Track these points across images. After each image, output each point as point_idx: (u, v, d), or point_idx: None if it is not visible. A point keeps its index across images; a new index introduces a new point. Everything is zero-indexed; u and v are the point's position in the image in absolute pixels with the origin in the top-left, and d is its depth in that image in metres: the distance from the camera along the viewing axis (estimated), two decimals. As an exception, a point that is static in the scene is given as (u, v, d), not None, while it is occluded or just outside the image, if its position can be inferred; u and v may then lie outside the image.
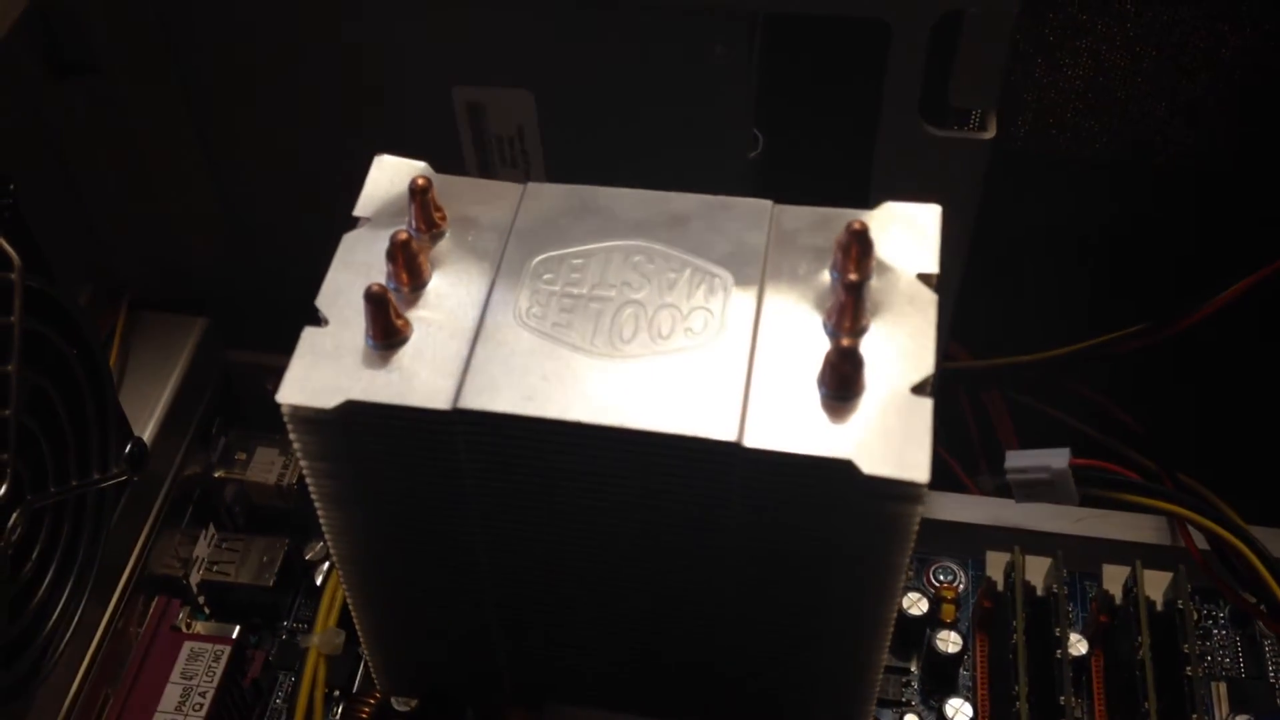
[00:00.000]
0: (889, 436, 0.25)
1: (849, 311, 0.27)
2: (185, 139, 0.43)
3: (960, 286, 0.42)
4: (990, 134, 0.37)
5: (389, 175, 0.30)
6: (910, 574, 0.45)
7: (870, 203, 0.29)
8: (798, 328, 0.27)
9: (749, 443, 0.25)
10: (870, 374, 0.26)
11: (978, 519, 0.46)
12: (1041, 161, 0.53)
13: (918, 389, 0.26)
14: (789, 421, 0.25)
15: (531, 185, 0.30)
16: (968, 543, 0.46)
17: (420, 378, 0.26)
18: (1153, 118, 0.51)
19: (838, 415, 0.25)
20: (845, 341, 0.26)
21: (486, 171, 0.43)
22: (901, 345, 0.27)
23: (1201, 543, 0.44)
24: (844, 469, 0.25)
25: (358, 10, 0.39)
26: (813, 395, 0.26)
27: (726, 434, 0.25)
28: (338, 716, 0.40)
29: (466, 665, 0.35)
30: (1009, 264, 0.54)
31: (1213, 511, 0.43)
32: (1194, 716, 0.38)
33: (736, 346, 0.27)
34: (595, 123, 0.40)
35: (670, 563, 0.29)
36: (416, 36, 0.39)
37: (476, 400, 0.26)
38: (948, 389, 0.53)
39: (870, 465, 0.25)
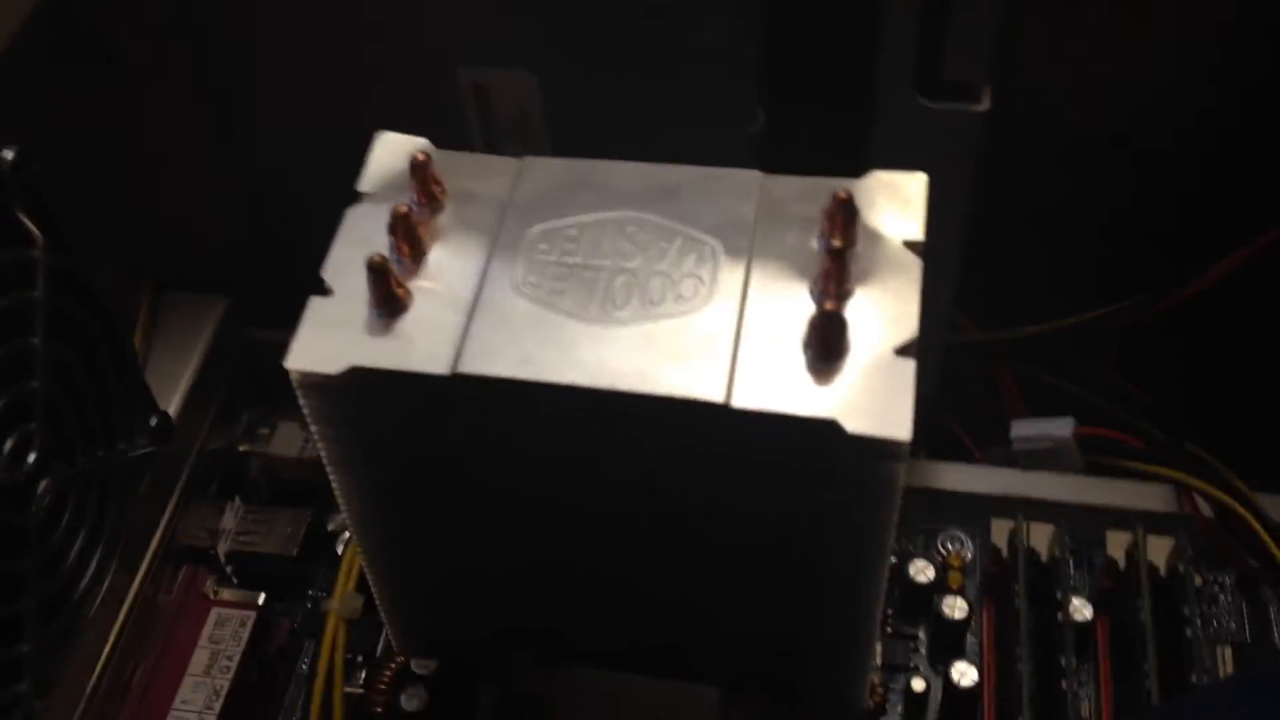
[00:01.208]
0: (872, 396, 0.26)
1: (833, 277, 0.27)
2: (203, 123, 0.44)
3: (961, 256, 0.43)
4: (984, 106, 0.38)
5: (391, 151, 0.31)
6: (919, 542, 0.46)
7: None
8: (784, 293, 0.28)
9: (736, 403, 0.26)
10: (855, 337, 0.27)
11: (985, 488, 0.47)
12: (1048, 136, 0.53)
13: (901, 351, 0.27)
14: (775, 383, 0.26)
15: (529, 159, 0.31)
16: (975, 512, 0.46)
17: (421, 344, 0.27)
18: (1158, 91, 0.51)
19: (823, 377, 0.26)
20: (829, 305, 0.26)
21: (493, 150, 0.44)
22: (886, 309, 0.27)
23: (1207, 510, 0.44)
24: (829, 428, 0.25)
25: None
26: (798, 358, 0.27)
27: (715, 395, 0.26)
28: (362, 680, 0.42)
29: (478, 627, 0.36)
30: (1018, 238, 0.54)
31: (1218, 478, 0.44)
32: (1194, 678, 0.38)
33: (725, 312, 0.28)
34: (597, 102, 0.41)
35: (665, 524, 0.30)
36: (424, 19, 0.40)
37: (474, 365, 0.27)
38: (956, 362, 0.54)
39: (854, 424, 0.25)
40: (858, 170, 0.30)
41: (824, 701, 0.35)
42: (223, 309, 0.45)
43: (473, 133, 0.43)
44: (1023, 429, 0.47)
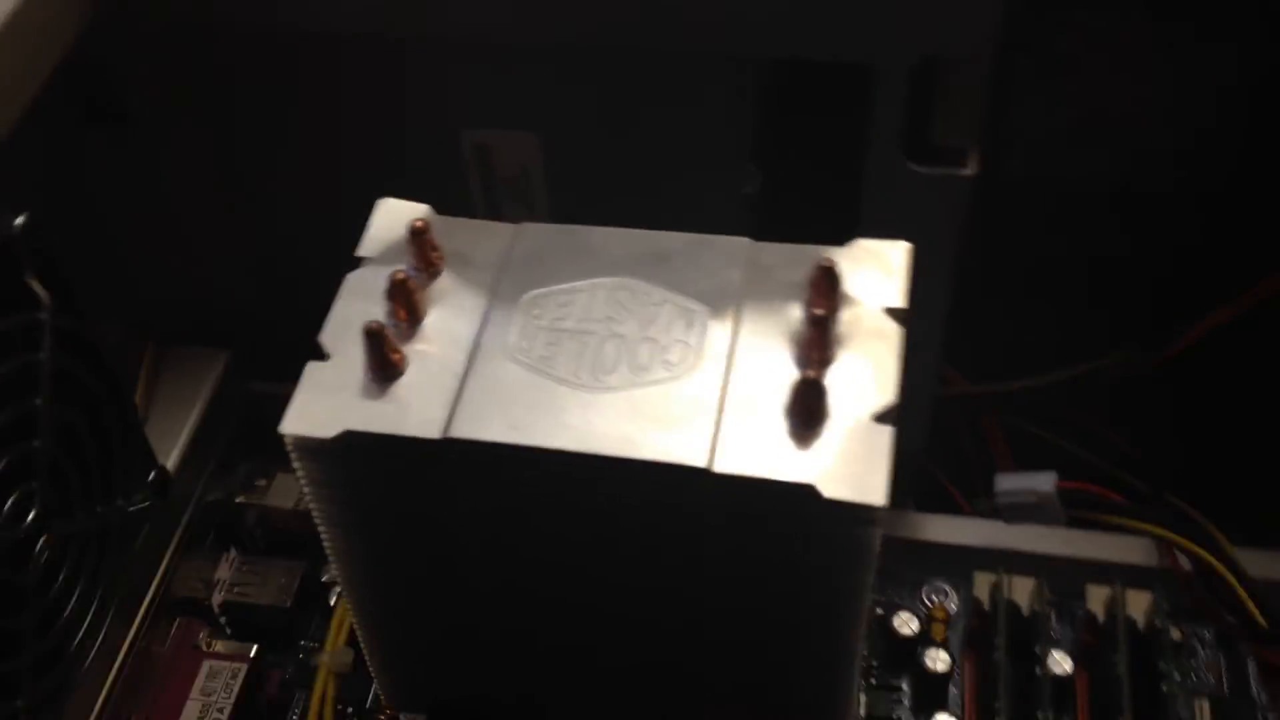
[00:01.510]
0: (850, 462, 0.27)
1: (816, 344, 0.28)
2: (211, 183, 0.45)
3: (948, 313, 0.44)
4: (972, 171, 0.39)
5: (391, 217, 0.32)
6: (905, 593, 0.47)
7: (861, 236, 0.31)
8: (769, 360, 0.29)
9: (718, 468, 0.27)
10: (835, 403, 0.28)
11: (970, 540, 0.47)
12: (1037, 192, 0.54)
13: (880, 418, 0.28)
14: (757, 448, 0.27)
15: (525, 225, 0.32)
16: (960, 564, 0.47)
17: (414, 408, 0.28)
18: (1146, 147, 0.52)
19: (803, 442, 0.27)
20: (810, 373, 0.27)
21: (494, 210, 0.45)
22: (866, 376, 0.28)
23: (1187, 564, 0.45)
24: (807, 493, 0.26)
25: (376, 61, 0.41)
26: (780, 424, 0.27)
27: (698, 460, 0.27)
28: (352, 732, 0.42)
29: (467, 682, 0.37)
30: (1009, 291, 0.55)
31: (1199, 533, 0.45)
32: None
33: (710, 378, 0.28)
34: (597, 162, 0.42)
35: (652, 585, 0.31)
36: (431, 86, 0.41)
37: (465, 429, 0.27)
38: (945, 415, 0.55)
39: (831, 489, 0.26)
40: (852, 230, 0.31)
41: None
42: (224, 362, 0.46)
43: (474, 191, 0.44)
44: (1006, 483, 0.47)
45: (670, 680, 0.35)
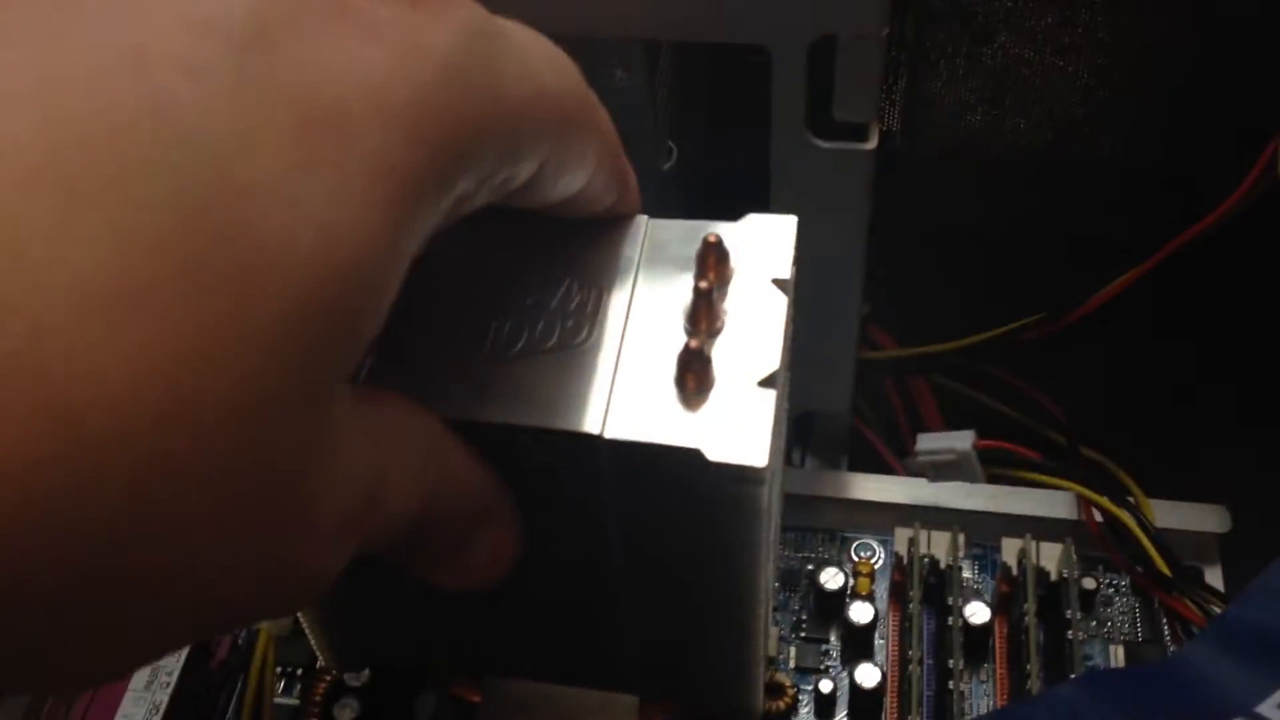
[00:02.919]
0: (734, 426, 0.28)
1: (704, 315, 0.30)
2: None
3: (864, 280, 0.46)
4: (872, 144, 0.40)
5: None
6: (834, 550, 0.49)
7: (771, 208, 0.32)
8: (660, 331, 0.30)
9: (609, 434, 0.28)
10: (721, 371, 0.29)
11: (895, 498, 0.49)
12: (958, 159, 0.56)
13: (764, 383, 0.29)
14: (647, 415, 0.29)
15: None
16: (886, 521, 0.49)
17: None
18: (1061, 114, 0.54)
19: (691, 408, 0.29)
20: (694, 342, 0.29)
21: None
22: (751, 344, 0.30)
23: (1100, 517, 0.47)
24: (693, 456, 0.28)
25: None
26: (669, 392, 0.29)
27: (592, 427, 0.29)
28: (297, 693, 0.44)
29: (403, 644, 0.39)
30: (933, 258, 0.57)
31: (1111, 486, 0.47)
32: (1072, 675, 0.41)
33: (606, 350, 0.30)
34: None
35: (565, 552, 0.33)
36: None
37: (370, 399, 0.29)
38: (875, 377, 0.57)
39: (715, 453, 0.28)
40: (765, 201, 0.32)
41: (724, 707, 0.38)
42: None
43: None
44: (926, 442, 0.49)
45: (596, 637, 0.36)
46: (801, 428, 0.56)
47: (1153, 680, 0.32)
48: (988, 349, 0.55)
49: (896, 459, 0.55)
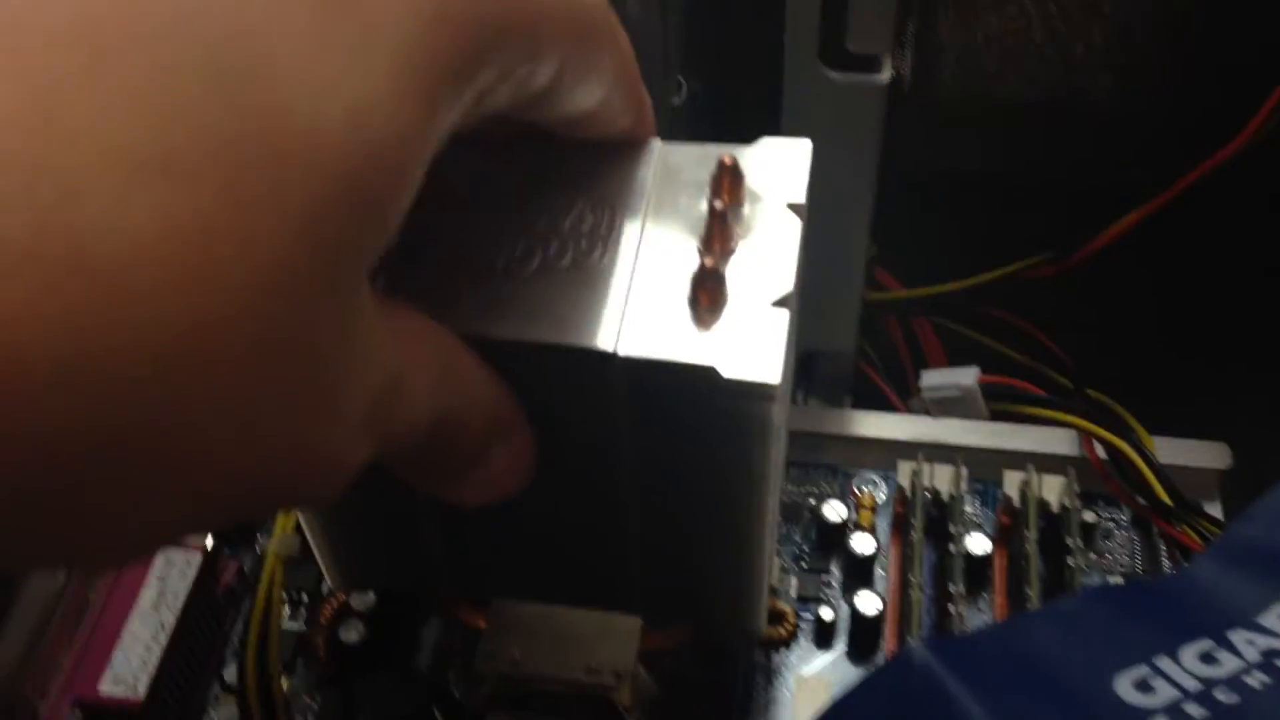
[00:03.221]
0: (747, 345, 0.29)
1: (718, 236, 0.30)
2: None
3: (872, 217, 0.46)
4: (885, 78, 0.40)
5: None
6: (837, 486, 0.49)
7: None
8: (674, 252, 0.30)
9: (623, 352, 0.29)
10: (735, 291, 0.29)
11: (898, 435, 0.50)
12: (966, 102, 0.56)
13: (778, 303, 0.29)
14: (661, 333, 0.29)
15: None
16: (889, 457, 0.49)
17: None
18: (1069, 61, 0.54)
19: (704, 327, 0.29)
20: (709, 261, 0.29)
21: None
22: (765, 265, 0.30)
23: (1103, 453, 0.47)
24: (707, 374, 0.28)
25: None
26: (683, 311, 0.29)
27: (605, 344, 0.29)
28: (304, 619, 0.45)
29: (410, 566, 0.39)
30: (939, 200, 0.57)
31: (1114, 422, 0.47)
32: (1074, 604, 0.42)
33: (619, 270, 0.30)
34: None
35: (575, 472, 0.33)
36: None
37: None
38: (880, 317, 0.57)
39: (729, 370, 0.28)
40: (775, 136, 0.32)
41: (726, 627, 0.38)
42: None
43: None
44: (931, 378, 0.50)
45: (605, 559, 0.37)
46: (806, 367, 0.57)
47: (1154, 593, 0.33)
48: (992, 291, 0.55)
49: (900, 399, 0.56)
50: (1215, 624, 0.31)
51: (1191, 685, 0.29)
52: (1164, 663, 0.30)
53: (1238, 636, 0.31)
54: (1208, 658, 0.30)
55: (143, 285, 0.17)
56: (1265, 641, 0.30)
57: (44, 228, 0.16)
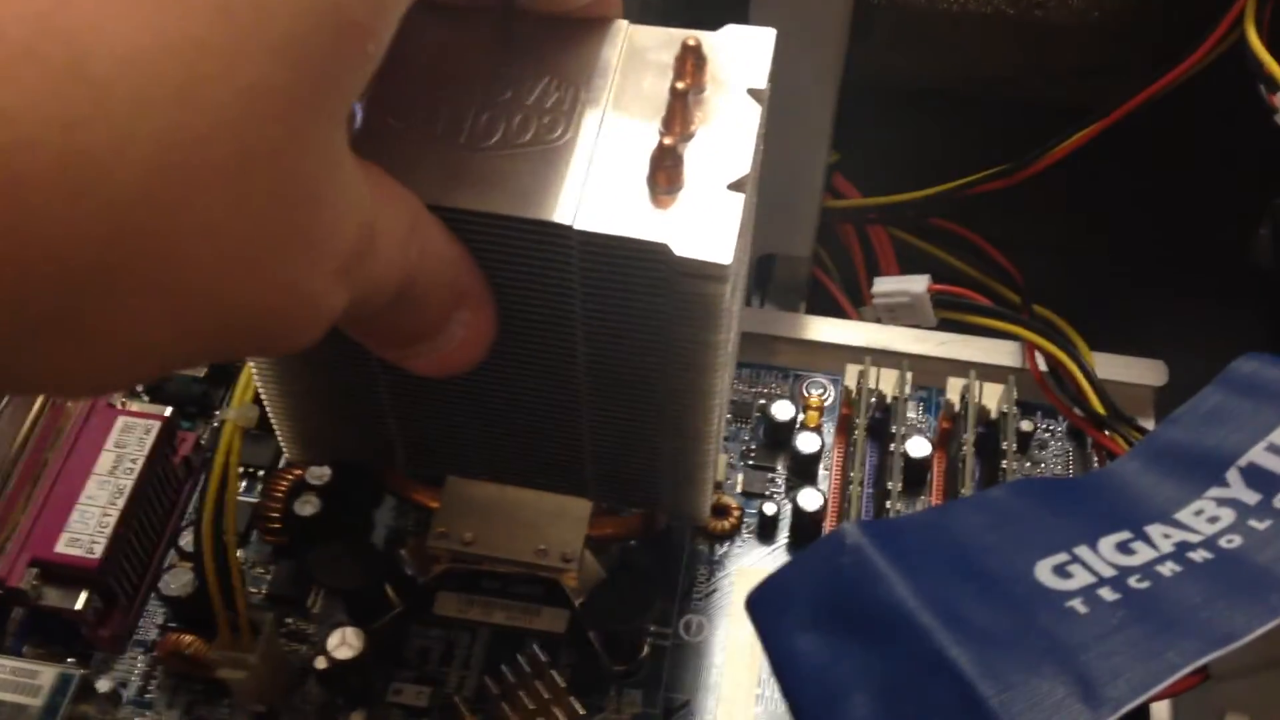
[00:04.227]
0: (702, 225, 0.29)
1: (679, 117, 0.31)
2: None
3: (834, 118, 0.46)
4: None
5: None
6: (788, 388, 0.51)
7: None
8: (636, 132, 0.31)
9: (580, 226, 0.29)
10: (692, 172, 0.30)
11: (848, 340, 0.51)
12: (927, 16, 0.56)
13: (734, 186, 0.30)
14: (618, 210, 0.30)
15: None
16: (839, 361, 0.50)
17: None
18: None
19: (661, 206, 0.30)
20: (668, 141, 0.30)
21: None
22: (723, 148, 0.31)
23: (1044, 365, 0.49)
24: (661, 250, 0.29)
25: None
26: (641, 189, 0.30)
27: (563, 218, 0.29)
28: (259, 491, 0.46)
29: (367, 441, 0.40)
30: (899, 112, 0.58)
31: (1056, 335, 0.48)
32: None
33: (580, 147, 0.31)
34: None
35: (532, 349, 0.34)
36: None
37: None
38: (836, 225, 0.58)
39: (682, 248, 0.29)
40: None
41: (672, 509, 0.39)
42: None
43: None
44: (883, 284, 0.50)
45: (548, 444, 0.38)
46: (763, 271, 0.58)
47: (1078, 488, 0.34)
48: (949, 203, 0.56)
49: (853, 307, 0.57)
50: (1135, 518, 0.32)
51: (1107, 572, 0.31)
52: (1083, 551, 0.32)
53: (1155, 530, 0.32)
54: (1124, 548, 0.32)
55: (135, 91, 0.17)
56: (1180, 535, 0.32)
57: (42, 29, 0.17)
